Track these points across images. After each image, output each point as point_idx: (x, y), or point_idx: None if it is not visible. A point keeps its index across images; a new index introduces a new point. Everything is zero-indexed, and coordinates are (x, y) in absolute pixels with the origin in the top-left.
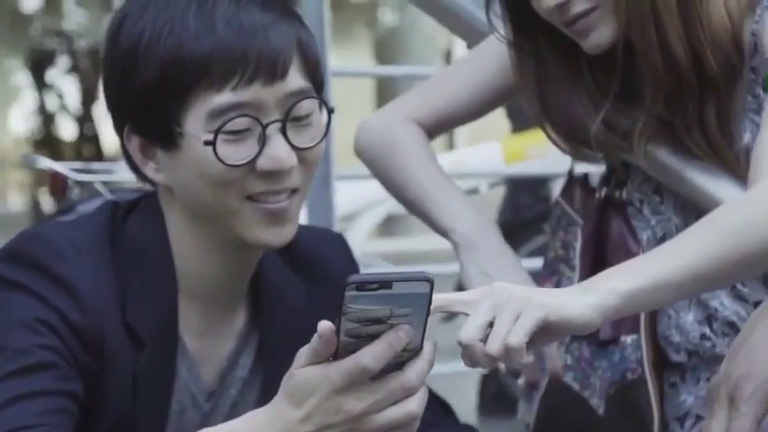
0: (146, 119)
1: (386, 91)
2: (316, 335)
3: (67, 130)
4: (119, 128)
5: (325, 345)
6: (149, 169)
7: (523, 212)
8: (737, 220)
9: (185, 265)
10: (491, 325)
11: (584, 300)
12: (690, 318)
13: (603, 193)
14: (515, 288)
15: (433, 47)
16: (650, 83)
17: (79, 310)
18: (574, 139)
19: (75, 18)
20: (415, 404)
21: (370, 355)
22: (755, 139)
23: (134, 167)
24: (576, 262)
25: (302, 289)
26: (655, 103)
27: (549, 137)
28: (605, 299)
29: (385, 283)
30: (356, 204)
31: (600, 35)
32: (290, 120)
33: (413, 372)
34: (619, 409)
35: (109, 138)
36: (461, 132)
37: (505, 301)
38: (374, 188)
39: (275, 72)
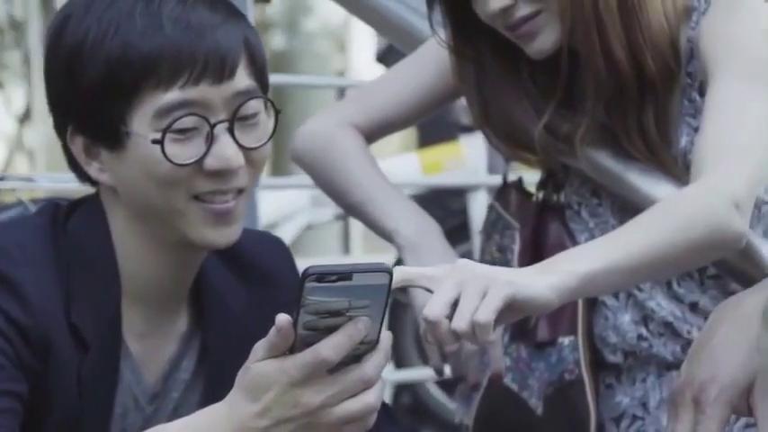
0: (91, 118)
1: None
2: (273, 328)
3: None
4: (61, 128)
5: (282, 337)
6: (93, 169)
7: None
8: (686, 208)
9: (129, 266)
10: (455, 303)
11: (545, 280)
12: (627, 318)
13: (541, 196)
14: (479, 265)
15: (326, 69)
16: (592, 87)
17: (24, 310)
18: (514, 143)
19: None
20: (373, 397)
21: (330, 347)
22: (696, 136)
23: (76, 168)
24: (515, 264)
25: (243, 292)
26: (596, 107)
27: (489, 140)
28: (564, 280)
29: (345, 274)
30: (275, 215)
31: (544, 40)
32: (237, 119)
33: (370, 364)
34: (557, 410)
35: None
36: None
37: (471, 278)
38: (293, 198)
39: (223, 71)
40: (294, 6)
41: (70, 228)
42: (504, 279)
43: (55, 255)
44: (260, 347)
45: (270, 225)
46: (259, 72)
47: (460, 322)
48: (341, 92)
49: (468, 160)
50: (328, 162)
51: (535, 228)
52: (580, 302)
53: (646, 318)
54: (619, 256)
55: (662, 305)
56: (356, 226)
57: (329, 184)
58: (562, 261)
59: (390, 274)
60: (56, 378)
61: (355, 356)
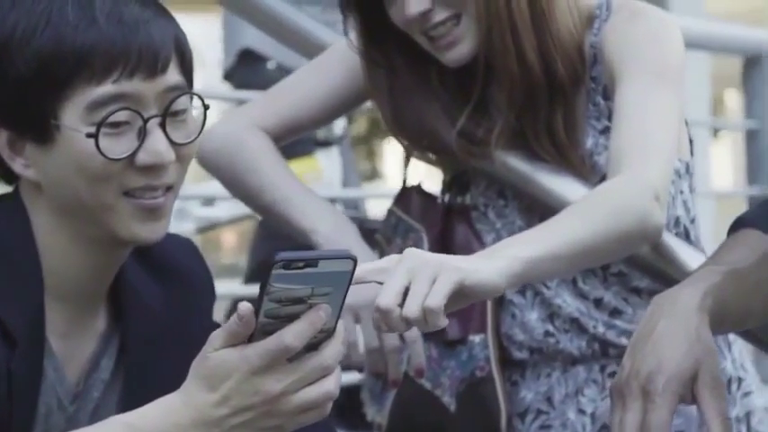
0: (18, 112)
1: None
2: (234, 316)
3: None
4: None
5: (244, 326)
6: (17, 165)
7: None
8: (615, 199)
9: (51, 263)
10: (407, 291)
11: (492, 265)
12: (534, 316)
13: (446, 198)
14: (428, 253)
15: None
16: (506, 91)
17: None
18: (425, 147)
19: None
20: (332, 384)
21: (293, 334)
22: (611, 135)
23: None
24: None
25: (159, 292)
26: (510, 111)
27: (400, 143)
28: (510, 265)
29: (312, 260)
30: None
31: (462, 49)
32: (168, 115)
33: (329, 352)
34: (469, 407)
35: None
36: None
37: (421, 265)
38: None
39: (156, 66)
40: None
41: None
42: (453, 265)
43: None
44: (217, 336)
45: None
46: (188, 69)
47: (412, 308)
48: None
49: (325, 172)
50: (239, 164)
51: (442, 230)
52: (489, 300)
53: (552, 315)
54: (558, 243)
55: (568, 302)
56: None
57: (240, 186)
58: (506, 247)
59: (355, 261)
60: None
61: (312, 345)
